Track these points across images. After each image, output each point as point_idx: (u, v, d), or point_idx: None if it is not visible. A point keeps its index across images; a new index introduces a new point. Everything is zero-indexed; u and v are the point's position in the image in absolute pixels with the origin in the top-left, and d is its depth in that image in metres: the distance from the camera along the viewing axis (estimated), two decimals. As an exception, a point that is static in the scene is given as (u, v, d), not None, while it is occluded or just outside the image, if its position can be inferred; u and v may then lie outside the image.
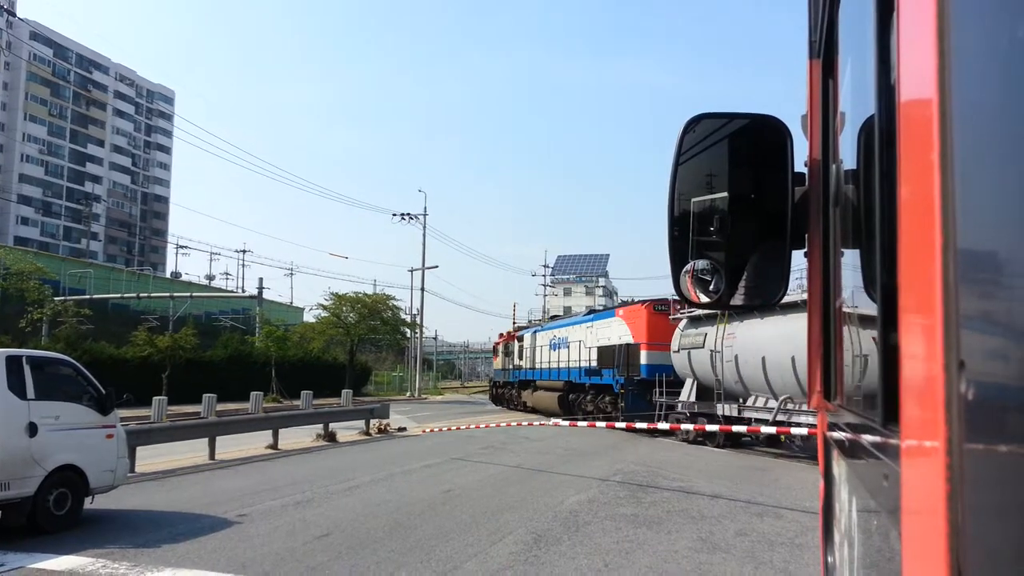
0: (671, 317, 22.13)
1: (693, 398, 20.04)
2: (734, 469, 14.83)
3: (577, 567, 7.18)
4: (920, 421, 0.66)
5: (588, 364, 26.40)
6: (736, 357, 17.59)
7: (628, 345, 23.42)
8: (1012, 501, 0.49)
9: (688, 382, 20.50)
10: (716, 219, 1.69)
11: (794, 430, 14.64)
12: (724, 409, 18.21)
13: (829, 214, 1.54)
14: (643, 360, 22.81)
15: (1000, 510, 0.51)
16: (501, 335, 43.67)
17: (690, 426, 17.66)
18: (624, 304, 28.57)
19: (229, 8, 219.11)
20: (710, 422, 17.70)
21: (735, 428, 16.23)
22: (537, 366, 32.74)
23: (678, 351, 20.84)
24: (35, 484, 8.45)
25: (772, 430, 15.34)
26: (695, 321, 20.19)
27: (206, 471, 14.15)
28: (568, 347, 28.92)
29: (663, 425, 17.63)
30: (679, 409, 20.42)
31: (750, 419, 17.15)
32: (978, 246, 0.56)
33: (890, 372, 0.83)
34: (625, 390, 22.99)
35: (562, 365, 29.20)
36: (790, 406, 15.41)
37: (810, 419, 14.29)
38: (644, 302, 24.81)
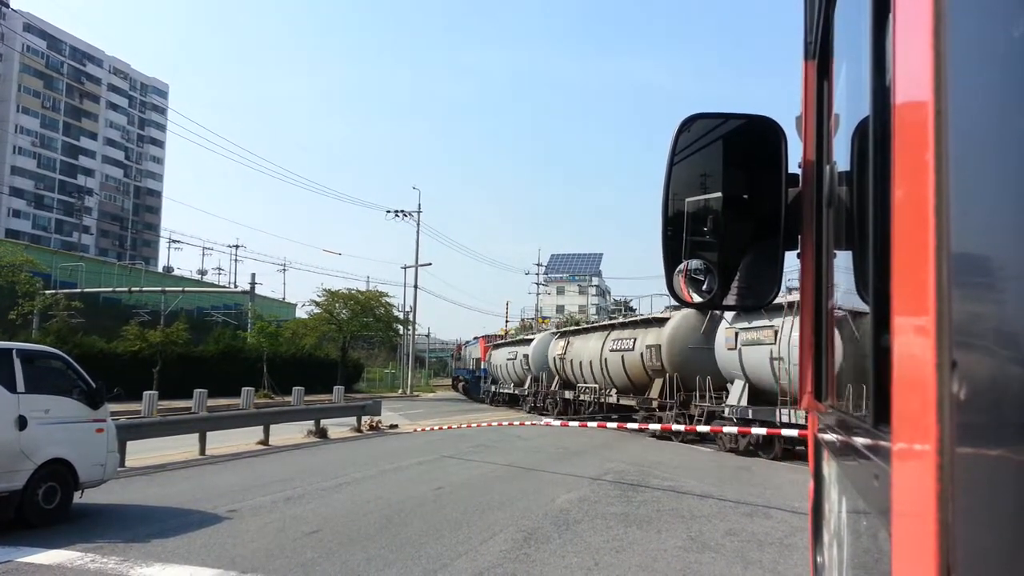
0: (486, 343, 48.21)
1: (493, 386, 44.02)
2: (723, 469, 14.89)
3: (567, 565, 7.19)
4: (912, 422, 0.66)
5: (472, 367, 51.65)
6: (498, 364, 42.01)
7: (476, 358, 49.99)
8: (1003, 502, 0.49)
9: (497, 376, 43.15)
10: (710, 219, 1.69)
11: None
12: (494, 388, 43.68)
13: (822, 215, 1.54)
14: (482, 366, 48.05)
15: (991, 511, 0.51)
16: (457, 346, 64.33)
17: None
18: (481, 336, 55.28)
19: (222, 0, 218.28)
20: (493, 398, 43.24)
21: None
22: (465, 367, 56.04)
23: (489, 361, 44.94)
24: (24, 478, 8.41)
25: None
26: (498, 346, 44.44)
27: (196, 466, 14.12)
28: (471, 357, 53.70)
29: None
30: (493, 390, 43.76)
31: (503, 392, 41.47)
32: (971, 248, 0.56)
33: (882, 373, 0.83)
34: (470, 381, 51.22)
35: (468, 367, 54.29)
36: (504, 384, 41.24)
37: (504, 389, 41.79)
38: (485, 336, 53.65)
